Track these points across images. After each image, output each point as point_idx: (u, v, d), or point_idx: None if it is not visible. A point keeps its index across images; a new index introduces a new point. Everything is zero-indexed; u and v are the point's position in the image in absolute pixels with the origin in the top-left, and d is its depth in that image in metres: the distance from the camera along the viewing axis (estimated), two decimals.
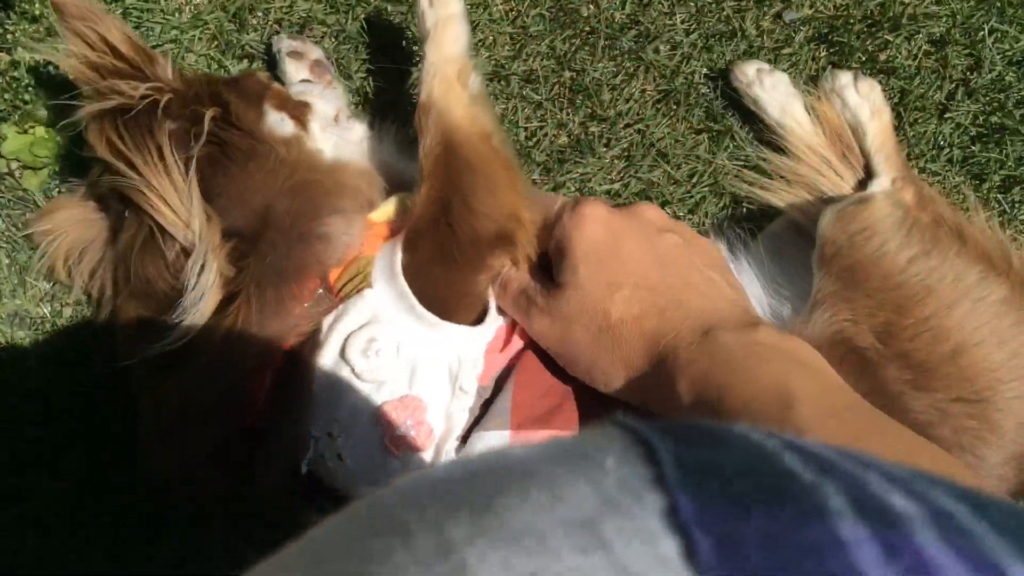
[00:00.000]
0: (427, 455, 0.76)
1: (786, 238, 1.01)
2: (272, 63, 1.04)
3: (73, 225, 0.86)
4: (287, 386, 0.78)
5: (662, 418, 0.57)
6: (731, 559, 0.21)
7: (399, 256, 0.78)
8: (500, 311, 0.80)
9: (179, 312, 0.76)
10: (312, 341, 0.78)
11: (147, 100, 0.79)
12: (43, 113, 1.03)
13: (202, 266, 0.76)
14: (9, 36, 1.02)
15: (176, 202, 0.77)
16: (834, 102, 1.05)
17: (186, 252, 0.78)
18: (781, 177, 1.05)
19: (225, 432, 0.79)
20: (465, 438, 0.77)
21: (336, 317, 0.77)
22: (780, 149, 1.07)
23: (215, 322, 0.77)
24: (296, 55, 1.01)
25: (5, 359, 1.00)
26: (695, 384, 0.64)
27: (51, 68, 0.86)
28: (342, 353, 0.76)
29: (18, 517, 0.97)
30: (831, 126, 1.05)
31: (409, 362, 0.76)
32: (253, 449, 0.79)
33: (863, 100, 1.04)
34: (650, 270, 0.72)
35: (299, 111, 0.88)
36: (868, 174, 1.02)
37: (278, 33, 1.04)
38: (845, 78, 1.06)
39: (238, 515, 0.84)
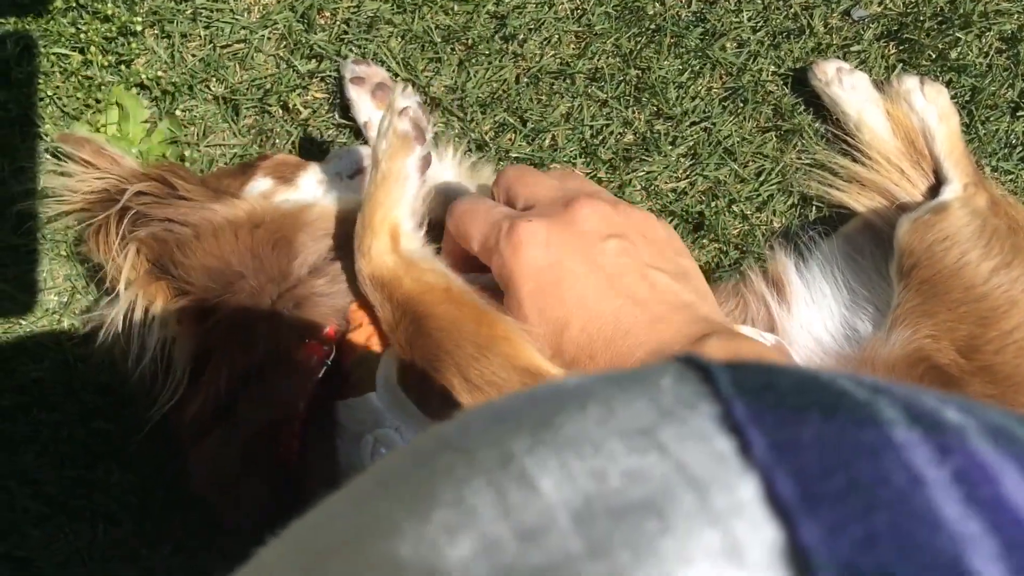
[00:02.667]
0: None
1: (860, 241, 1.00)
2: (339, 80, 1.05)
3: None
4: (317, 445, 0.81)
5: None
6: (786, 456, 0.22)
7: (395, 372, 0.76)
8: None
9: (155, 382, 0.84)
10: (332, 416, 0.80)
11: (99, 193, 0.88)
12: (115, 111, 1.05)
13: (141, 332, 0.84)
14: (82, 35, 1.04)
15: (123, 274, 0.85)
16: (901, 105, 1.03)
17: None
18: (853, 180, 1.04)
19: (263, 488, 0.82)
20: None
21: (348, 410, 0.78)
22: (851, 149, 1.05)
23: (204, 392, 0.82)
24: (359, 80, 1.02)
25: (78, 355, 1.01)
26: None
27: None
28: (356, 447, 0.77)
29: (90, 509, 0.98)
30: (905, 131, 1.03)
31: None
32: (292, 492, 0.82)
33: (930, 104, 1.02)
34: (595, 297, 0.67)
35: (292, 171, 0.93)
36: (938, 179, 1.00)
37: (345, 57, 1.05)
38: (912, 82, 1.04)
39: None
